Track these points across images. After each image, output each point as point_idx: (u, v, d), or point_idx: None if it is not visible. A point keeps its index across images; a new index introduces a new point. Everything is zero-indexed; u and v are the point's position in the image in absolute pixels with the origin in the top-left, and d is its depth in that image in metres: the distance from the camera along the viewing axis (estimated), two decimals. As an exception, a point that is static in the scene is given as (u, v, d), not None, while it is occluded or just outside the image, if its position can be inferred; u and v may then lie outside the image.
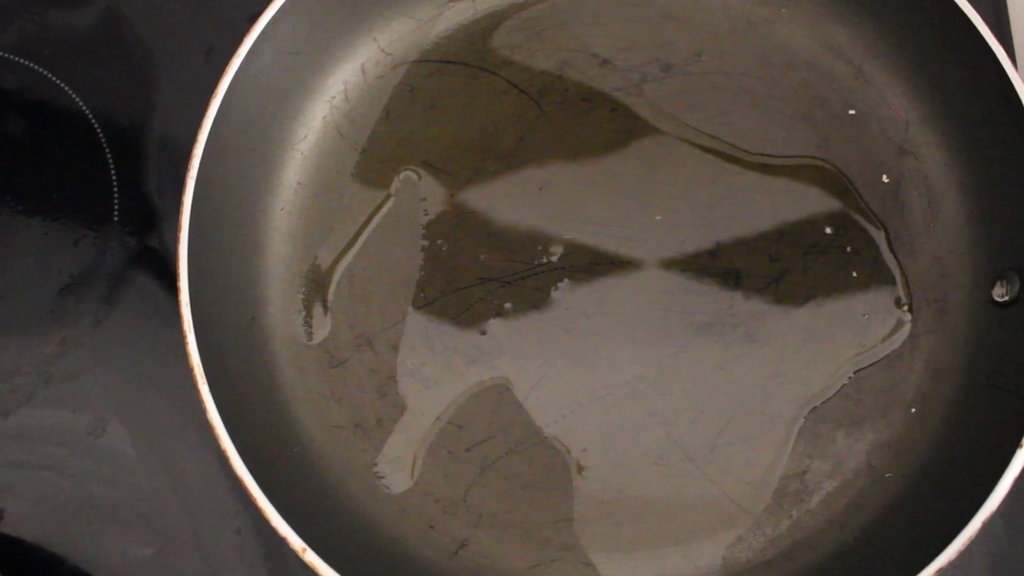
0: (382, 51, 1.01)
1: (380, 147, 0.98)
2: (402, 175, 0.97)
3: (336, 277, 0.95)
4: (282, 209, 0.96)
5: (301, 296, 0.94)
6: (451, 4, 1.02)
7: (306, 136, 0.98)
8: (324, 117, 0.99)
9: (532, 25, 1.01)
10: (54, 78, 1.07)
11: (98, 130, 1.05)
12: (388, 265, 0.95)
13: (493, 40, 1.00)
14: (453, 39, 1.01)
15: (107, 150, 1.04)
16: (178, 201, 0.88)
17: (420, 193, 0.96)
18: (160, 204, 1.03)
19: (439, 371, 0.92)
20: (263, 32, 0.91)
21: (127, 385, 0.97)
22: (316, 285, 0.94)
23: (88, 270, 1.01)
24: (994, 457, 0.81)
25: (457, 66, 0.98)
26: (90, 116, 1.05)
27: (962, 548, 0.78)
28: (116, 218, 1.02)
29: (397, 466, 0.90)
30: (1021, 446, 0.80)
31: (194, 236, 0.86)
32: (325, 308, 0.94)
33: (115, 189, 1.03)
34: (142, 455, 0.96)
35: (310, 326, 0.93)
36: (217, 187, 0.90)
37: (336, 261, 0.95)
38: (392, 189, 0.97)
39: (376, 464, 0.90)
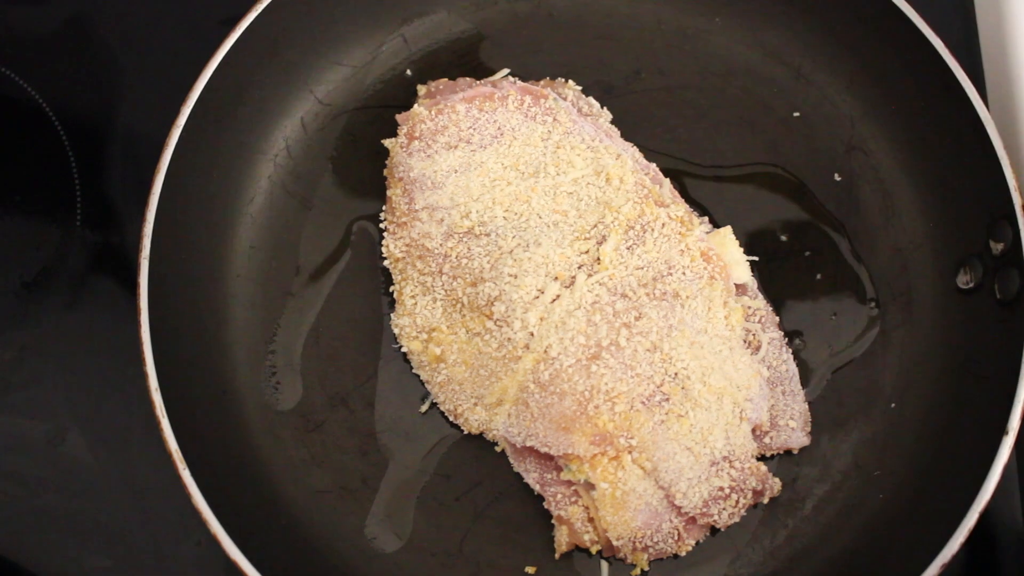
0: (320, 102, 0.99)
1: (330, 200, 0.97)
2: (356, 227, 0.96)
3: (302, 339, 0.93)
4: (238, 276, 0.94)
5: (268, 363, 0.92)
6: (383, 47, 1.00)
7: (253, 198, 0.96)
8: (269, 176, 0.97)
9: (467, 61, 1.00)
10: (17, 78, 1.04)
11: (61, 131, 1.02)
12: (353, 320, 0.94)
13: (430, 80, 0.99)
14: (391, 83, 1.00)
15: (70, 152, 1.01)
16: (141, 206, 0.86)
17: (377, 242, 0.95)
18: (123, 206, 1.00)
19: (418, 422, 0.91)
20: (200, 99, 0.89)
21: (87, 393, 0.95)
22: (283, 349, 0.93)
23: (50, 274, 0.98)
24: (981, 445, 0.82)
25: (397, 110, 0.96)
26: (53, 117, 1.02)
27: (963, 541, 0.79)
28: (79, 221, 1.00)
29: (388, 524, 0.88)
30: (1007, 432, 0.81)
31: (155, 317, 0.84)
32: (294, 372, 0.92)
33: (78, 191, 1.00)
34: (101, 464, 0.93)
35: (281, 392, 0.92)
36: (171, 263, 0.87)
37: (299, 322, 0.93)
38: (348, 242, 0.95)
39: (366, 525, 0.88)
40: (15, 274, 0.99)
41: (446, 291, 0.89)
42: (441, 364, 0.89)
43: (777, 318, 0.91)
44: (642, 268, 0.86)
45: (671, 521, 0.84)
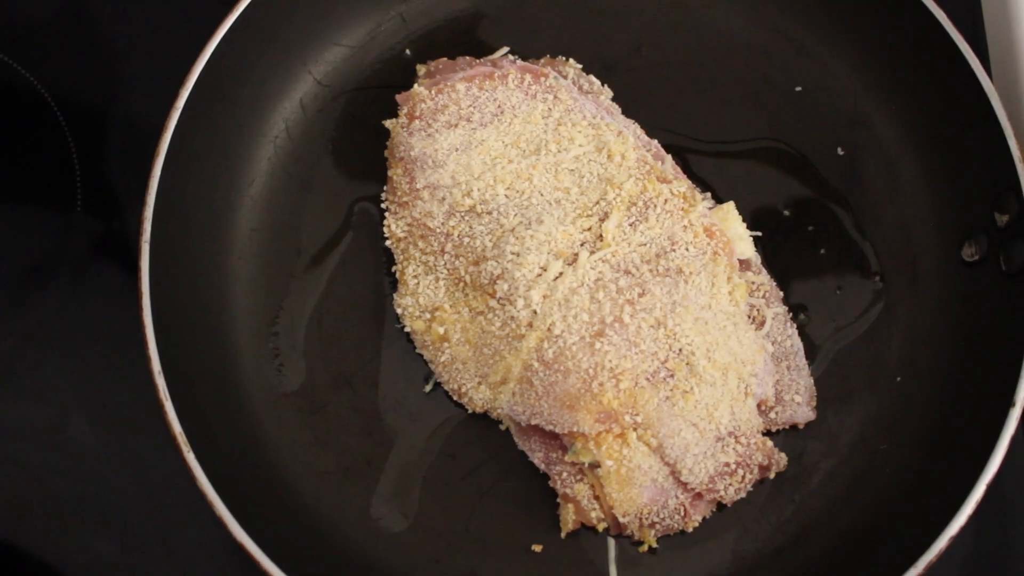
0: (319, 83, 0.98)
1: (330, 181, 0.96)
2: (357, 207, 0.95)
3: (305, 321, 0.93)
4: (239, 259, 0.94)
5: (271, 345, 0.92)
6: (381, 26, 1.00)
7: (254, 180, 0.96)
8: (269, 158, 0.96)
9: (466, 39, 1.00)
10: (14, 64, 1.03)
11: (60, 116, 1.01)
12: (356, 301, 0.93)
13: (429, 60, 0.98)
14: (390, 63, 0.99)
15: (69, 137, 1.01)
16: (141, 191, 0.86)
17: (378, 223, 0.94)
18: (123, 192, 1.00)
19: (422, 402, 0.91)
20: (198, 82, 0.89)
21: (90, 378, 0.95)
22: (285, 331, 0.92)
23: (51, 260, 0.98)
24: (987, 417, 0.82)
25: (396, 90, 0.96)
26: (51, 102, 1.02)
27: (971, 513, 0.79)
28: (79, 206, 0.99)
29: (394, 505, 0.88)
30: (1014, 404, 0.81)
31: (156, 301, 0.84)
32: (298, 354, 0.92)
33: (78, 177, 1.00)
34: (106, 449, 0.93)
35: (285, 374, 0.91)
36: (172, 247, 0.87)
37: (302, 304, 0.93)
38: (349, 223, 0.95)
39: (372, 505, 0.88)
40: (16, 260, 0.98)
41: (448, 270, 0.89)
42: (444, 343, 0.89)
43: (781, 293, 0.91)
44: (645, 244, 0.86)
45: (677, 497, 0.84)
